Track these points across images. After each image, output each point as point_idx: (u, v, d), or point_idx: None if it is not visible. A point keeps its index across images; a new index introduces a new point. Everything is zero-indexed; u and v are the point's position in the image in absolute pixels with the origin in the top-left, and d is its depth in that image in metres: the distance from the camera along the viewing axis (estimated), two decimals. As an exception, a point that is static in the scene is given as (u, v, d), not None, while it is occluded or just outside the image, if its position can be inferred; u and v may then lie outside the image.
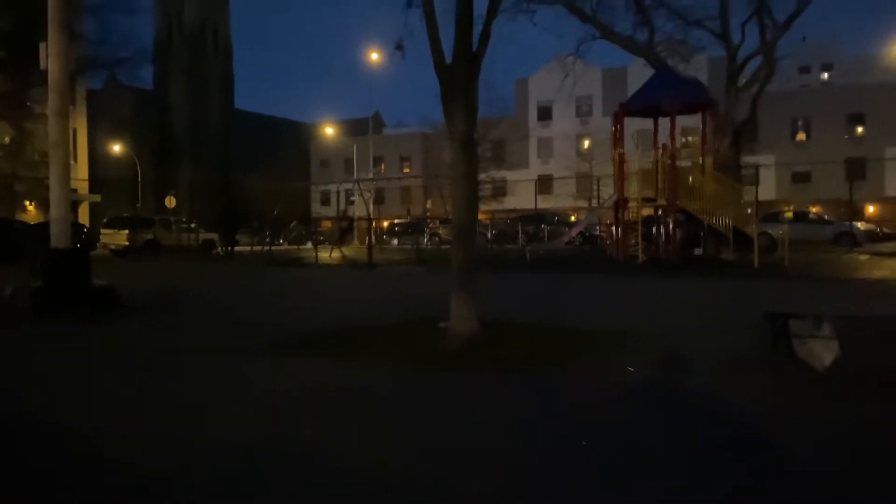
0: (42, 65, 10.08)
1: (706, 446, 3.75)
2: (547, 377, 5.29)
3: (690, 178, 18.67)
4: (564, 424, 4.18)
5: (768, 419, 4.30)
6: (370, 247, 21.79)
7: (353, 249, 27.91)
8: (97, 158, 53.74)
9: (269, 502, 3.02)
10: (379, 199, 46.60)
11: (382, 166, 60.03)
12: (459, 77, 6.77)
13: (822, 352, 5.36)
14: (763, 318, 6.05)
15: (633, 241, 18.30)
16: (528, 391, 4.97)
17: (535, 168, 54.71)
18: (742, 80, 21.66)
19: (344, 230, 27.12)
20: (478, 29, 6.93)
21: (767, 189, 35.82)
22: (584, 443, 3.78)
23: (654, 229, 19.28)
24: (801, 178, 45.57)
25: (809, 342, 5.53)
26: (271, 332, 7.66)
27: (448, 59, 6.82)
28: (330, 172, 61.21)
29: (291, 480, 3.26)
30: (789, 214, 26.38)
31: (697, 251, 18.29)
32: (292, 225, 35.86)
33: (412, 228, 34.85)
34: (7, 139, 33.26)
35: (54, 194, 10.05)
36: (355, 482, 3.24)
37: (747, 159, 24.88)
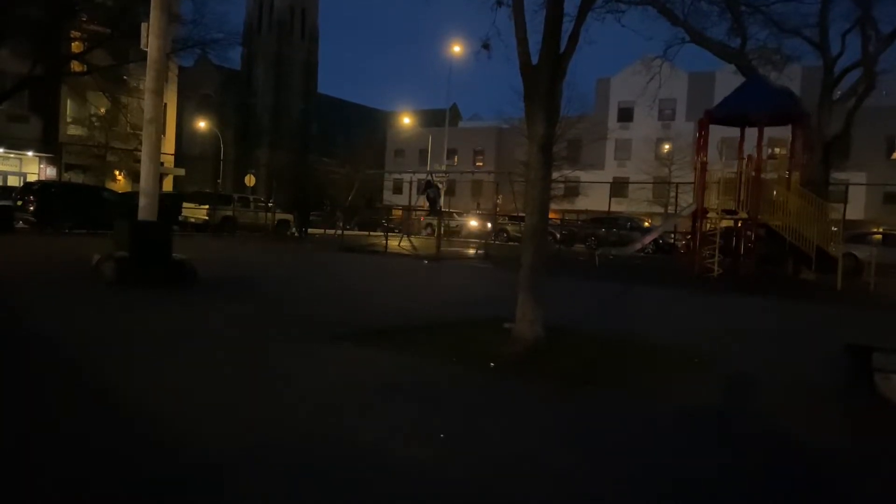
0: (143, 44, 10.54)
1: (765, 487, 3.54)
2: (608, 394, 5.16)
3: (775, 192, 17.95)
4: (618, 448, 4.06)
5: (840, 460, 4.08)
6: (439, 238, 21.90)
7: (422, 241, 28.07)
8: (183, 133, 55.84)
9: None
10: (450, 191, 46.70)
11: (455, 158, 60.10)
12: (544, 79, 6.69)
13: (907, 390, 5.10)
14: (843, 349, 5.80)
15: (708, 253, 17.74)
16: (587, 407, 4.88)
17: (611, 170, 53.68)
18: (838, 93, 20.61)
19: (433, 199, 26.18)
20: (565, 30, 6.85)
21: (856, 208, 34.02)
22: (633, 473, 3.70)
23: (732, 243, 18.64)
24: (893, 199, 43.24)
25: (894, 378, 5.27)
26: (336, 320, 7.78)
27: (534, 61, 6.76)
28: (404, 162, 61.70)
29: (329, 479, 3.32)
30: (878, 236, 25.06)
31: (777, 269, 17.61)
32: (337, 214, 35.13)
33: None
34: (102, 110, 34.99)
35: (145, 168, 10.51)
36: (401, 482, 3.28)
37: (836, 176, 23.67)
